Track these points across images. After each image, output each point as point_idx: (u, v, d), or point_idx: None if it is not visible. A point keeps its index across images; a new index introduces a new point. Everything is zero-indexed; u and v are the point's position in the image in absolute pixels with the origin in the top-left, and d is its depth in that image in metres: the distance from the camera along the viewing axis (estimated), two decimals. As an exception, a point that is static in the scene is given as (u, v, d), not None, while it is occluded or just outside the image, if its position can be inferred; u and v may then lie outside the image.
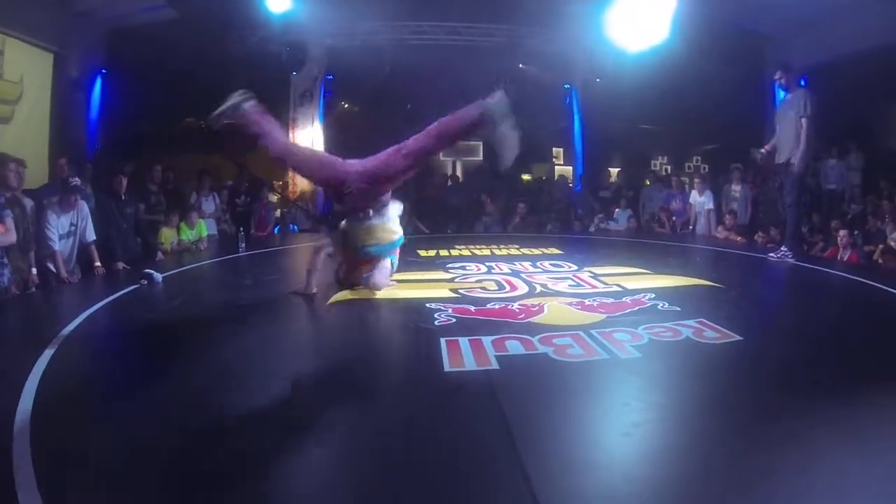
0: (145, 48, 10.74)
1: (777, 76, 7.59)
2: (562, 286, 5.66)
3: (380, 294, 5.32)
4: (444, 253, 7.92)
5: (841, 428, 2.59)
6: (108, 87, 11.54)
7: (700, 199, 11.06)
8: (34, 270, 6.08)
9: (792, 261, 7.10)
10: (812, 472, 2.26)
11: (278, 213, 12.30)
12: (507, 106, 4.87)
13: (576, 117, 14.64)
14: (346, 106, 15.17)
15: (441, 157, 15.80)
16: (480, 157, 14.98)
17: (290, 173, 13.55)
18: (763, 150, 7.69)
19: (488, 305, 4.85)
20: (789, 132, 7.22)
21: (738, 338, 3.90)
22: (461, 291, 5.45)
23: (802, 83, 11.91)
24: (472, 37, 12.64)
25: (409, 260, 5.28)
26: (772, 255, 7.41)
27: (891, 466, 2.29)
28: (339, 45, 12.53)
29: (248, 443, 2.52)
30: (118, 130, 11.35)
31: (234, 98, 5.15)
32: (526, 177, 15.45)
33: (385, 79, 12.58)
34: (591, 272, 6.35)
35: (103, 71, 11.45)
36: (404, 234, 5.65)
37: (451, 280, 6.03)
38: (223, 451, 2.46)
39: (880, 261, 7.04)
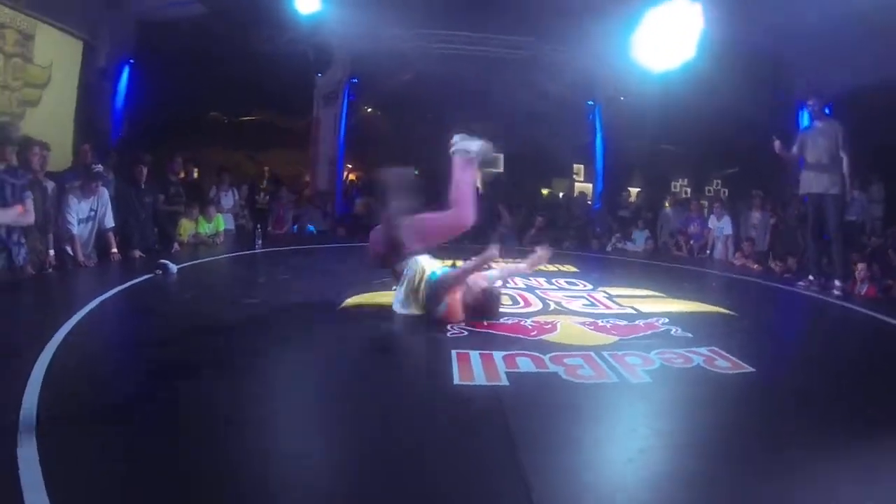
0: (173, 41, 10.86)
1: (811, 102, 7.54)
2: (576, 305, 5.63)
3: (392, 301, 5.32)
4: (458, 264, 7.88)
5: (851, 465, 2.55)
6: (134, 78, 11.64)
7: (718, 224, 11.01)
8: (52, 252, 6.15)
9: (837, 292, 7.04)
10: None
11: (296, 212, 12.34)
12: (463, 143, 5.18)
13: (598, 135, 14.62)
14: (369, 110, 15.23)
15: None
16: (500, 169, 14.99)
17: (308, 175, 13.67)
18: (778, 143, 7.58)
19: (501, 320, 4.83)
20: (823, 162, 7.16)
21: (750, 369, 3.86)
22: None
23: (827, 111, 11.90)
24: (497, 48, 12.65)
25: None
26: (801, 283, 7.50)
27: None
28: (365, 48, 12.57)
29: (253, 443, 2.52)
30: (142, 120, 11.45)
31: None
32: (545, 191, 15.42)
33: (408, 85, 12.62)
34: (605, 292, 6.33)
35: (131, 61, 11.54)
36: None
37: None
38: (227, 449, 2.46)
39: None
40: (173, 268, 6.16)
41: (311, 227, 11.73)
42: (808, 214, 7.74)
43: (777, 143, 7.54)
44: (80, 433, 2.54)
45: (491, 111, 11.96)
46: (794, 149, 7.54)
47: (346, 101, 13.41)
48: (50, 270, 6.05)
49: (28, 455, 2.24)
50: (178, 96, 11.50)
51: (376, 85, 13.19)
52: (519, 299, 5.73)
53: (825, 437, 2.89)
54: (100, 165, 6.98)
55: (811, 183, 7.36)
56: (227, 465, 2.34)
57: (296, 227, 11.80)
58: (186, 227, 8.66)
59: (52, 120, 9.38)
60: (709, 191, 14.65)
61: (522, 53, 12.74)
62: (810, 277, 7.58)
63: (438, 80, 12.02)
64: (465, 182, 5.14)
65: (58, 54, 9.61)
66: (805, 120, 12.89)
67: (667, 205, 12.93)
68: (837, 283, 7.12)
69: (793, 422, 3.11)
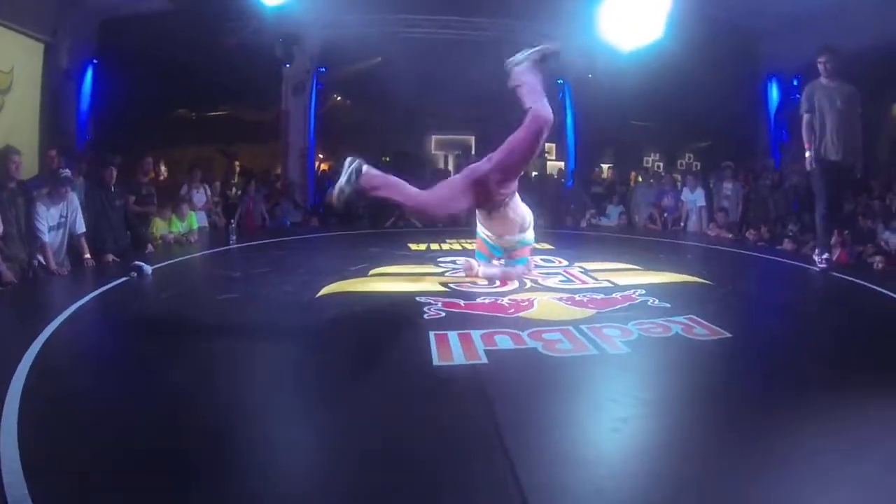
0: (137, 38, 10.69)
1: (822, 59, 6.63)
2: (552, 281, 5.66)
3: (369, 288, 5.32)
4: (434, 247, 7.90)
5: (828, 423, 2.60)
6: (99, 78, 11.44)
7: (692, 197, 11.10)
8: (35, 261, 6.08)
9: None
10: (799, 467, 2.27)
11: (269, 205, 12.25)
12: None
13: (568, 113, 14.64)
14: (339, 98, 15.14)
15: (433, 151, 15.82)
16: (473, 153, 15.00)
17: (280, 168, 13.56)
18: (808, 155, 6.71)
19: (478, 300, 4.85)
20: (840, 127, 6.52)
21: (728, 335, 3.92)
22: (451, 285, 5.44)
23: (795, 83, 11.97)
24: (464, 30, 12.60)
25: (398, 254, 5.26)
26: (816, 259, 6.70)
27: (877, 460, 2.31)
28: (331, 37, 12.48)
29: (235, 437, 2.52)
30: (109, 121, 11.27)
31: (346, 169, 4.64)
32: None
33: (376, 71, 12.55)
34: (581, 268, 6.36)
35: (94, 61, 11.36)
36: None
37: (442, 274, 6.03)
38: (210, 445, 2.45)
39: (870, 260, 7.04)
40: (148, 269, 6.09)
41: (285, 220, 11.65)
42: (823, 184, 6.70)
43: (808, 158, 6.72)
44: (62, 433, 2.52)
45: (459, 94, 11.93)
46: (804, 109, 6.73)
47: (314, 90, 13.32)
48: (31, 276, 5.97)
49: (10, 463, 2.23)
50: (145, 94, 11.32)
51: (344, 73, 13.09)
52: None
53: (805, 398, 2.95)
54: (67, 170, 6.86)
55: (829, 149, 6.56)
56: (207, 460, 2.33)
57: (269, 220, 11.72)
58: (159, 227, 8.57)
59: (16, 125, 9.21)
60: (681, 164, 14.75)
61: (489, 34, 12.69)
62: (826, 256, 6.72)
63: (406, 65, 11.96)
64: (530, 83, 5.20)
65: (19, 57, 9.42)
66: (774, 94, 13.11)
67: (639, 178, 13.00)
68: (824, 256, 6.70)
69: (772, 384, 3.17)
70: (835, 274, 6.42)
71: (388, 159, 14.21)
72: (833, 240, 7.29)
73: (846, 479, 2.19)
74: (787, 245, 8.34)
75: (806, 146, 6.73)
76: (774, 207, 10.22)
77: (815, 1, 9.71)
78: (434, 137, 15.84)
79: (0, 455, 2.28)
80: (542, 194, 13.16)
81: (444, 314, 4.40)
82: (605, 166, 14.95)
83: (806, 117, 6.69)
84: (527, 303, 4.74)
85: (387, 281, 5.63)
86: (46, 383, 3.07)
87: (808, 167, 6.80)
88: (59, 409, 2.81)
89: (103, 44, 11.23)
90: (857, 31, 9.07)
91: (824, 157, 6.57)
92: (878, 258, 6.96)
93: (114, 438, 2.51)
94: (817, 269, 6.60)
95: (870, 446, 2.41)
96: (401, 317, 4.42)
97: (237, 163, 12.80)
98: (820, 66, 6.66)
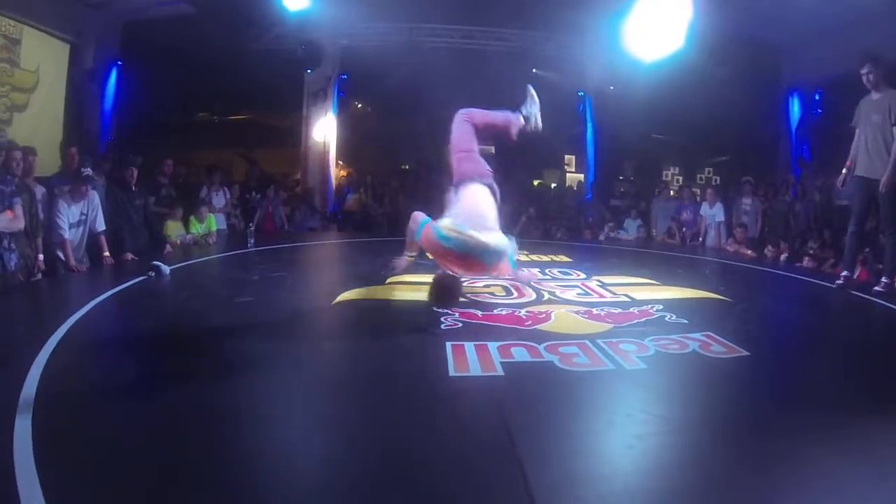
0: (161, 41, 10.80)
1: (864, 70, 6.21)
2: (570, 294, 5.63)
3: (386, 296, 5.31)
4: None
5: (847, 446, 2.56)
6: (122, 79, 11.60)
7: (711, 212, 11.02)
8: (41, 257, 6.12)
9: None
10: (815, 491, 2.24)
11: (288, 209, 12.31)
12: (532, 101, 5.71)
13: (589, 125, 14.64)
14: (360, 106, 15.20)
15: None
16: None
17: (299, 173, 13.61)
18: (843, 172, 6.57)
19: (495, 311, 4.83)
20: (875, 141, 6.17)
21: (745, 353, 3.87)
22: (469, 295, 5.41)
23: (817, 97, 11.88)
24: (487, 41, 12.63)
25: (417, 262, 5.25)
26: (877, 288, 6.23)
27: (896, 484, 2.27)
28: (354, 44, 12.55)
29: (248, 441, 2.52)
30: (131, 122, 11.42)
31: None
32: (537, 182, 15.42)
33: (398, 80, 12.59)
34: (599, 281, 6.33)
35: (119, 63, 11.50)
36: None
37: (459, 284, 6.00)
38: (222, 447, 2.45)
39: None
40: (166, 269, 6.13)
41: (303, 225, 11.72)
42: (856, 201, 6.54)
43: (842, 178, 6.65)
44: (77, 435, 2.53)
45: (481, 104, 11.96)
46: (854, 124, 6.44)
47: (335, 97, 13.38)
48: (39, 276, 6.02)
49: (24, 462, 2.24)
50: (167, 96, 11.48)
51: (366, 81, 13.15)
52: (513, 290, 5.72)
53: (824, 420, 2.89)
54: (89, 168, 6.93)
55: (863, 166, 6.31)
56: (222, 463, 2.33)
57: (288, 224, 11.78)
58: (173, 229, 8.63)
59: (40, 124, 9.35)
60: (700, 179, 14.69)
61: (513, 45, 12.72)
62: (845, 273, 6.53)
63: (429, 75, 12.00)
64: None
65: (45, 58, 9.58)
66: (795, 108, 13.02)
67: (657, 192, 12.96)
68: (885, 280, 6.26)
69: (790, 404, 3.12)
70: (855, 293, 6.34)
71: (407, 167, 14.26)
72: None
73: (866, 501, 2.15)
74: (807, 262, 8.25)
75: (847, 163, 6.53)
76: (794, 224, 10.14)
77: (836, 15, 9.65)
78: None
79: (14, 453, 2.28)
80: (560, 206, 13.20)
81: (460, 325, 4.38)
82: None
83: (856, 134, 6.45)
84: (544, 315, 4.71)
85: (404, 290, 5.61)
86: (61, 379, 3.09)
87: (838, 184, 6.70)
88: (74, 405, 2.82)
89: (127, 46, 11.38)
90: (880, 46, 9.01)
91: (860, 174, 6.34)
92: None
93: (127, 438, 2.51)
94: (834, 286, 6.47)
95: (890, 468, 2.38)
96: (418, 326, 4.40)
97: (257, 167, 12.90)
98: (864, 79, 6.28)
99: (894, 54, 7.86)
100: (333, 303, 5.11)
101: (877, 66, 6.17)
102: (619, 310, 5.00)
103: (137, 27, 11.21)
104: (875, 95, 6.24)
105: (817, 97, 12.25)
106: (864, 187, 6.32)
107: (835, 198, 10.63)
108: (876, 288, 6.20)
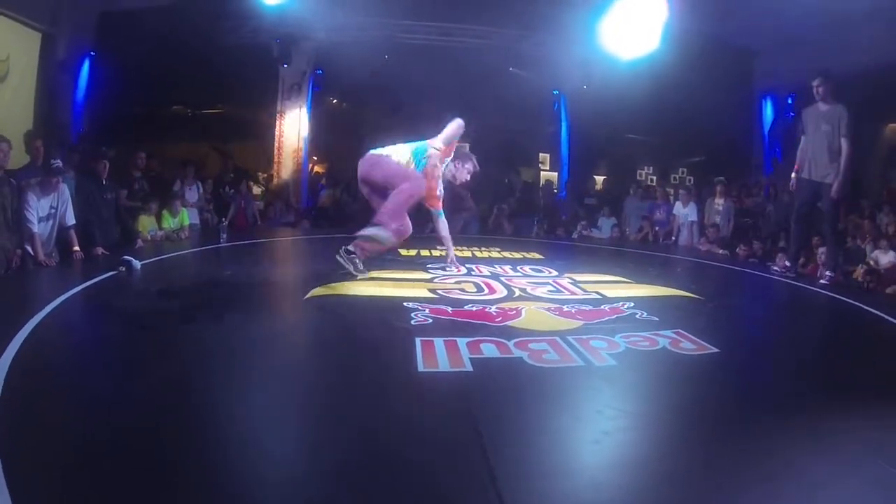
0: (135, 33, 10.68)
1: (815, 83, 7.02)
2: (541, 291, 5.66)
3: (358, 292, 5.30)
4: (424, 252, 7.87)
5: (813, 440, 2.62)
6: (95, 70, 11.43)
7: (684, 211, 11.14)
8: (19, 251, 6.04)
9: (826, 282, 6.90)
10: (785, 484, 2.26)
11: (261, 205, 12.24)
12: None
13: (563, 123, 14.70)
14: (335, 101, 15.14)
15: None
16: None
17: (275, 167, 13.53)
18: (793, 175, 7.41)
19: (465, 307, 4.84)
20: (822, 148, 6.96)
21: (715, 350, 3.92)
22: (439, 292, 5.42)
23: (790, 101, 12.06)
24: (463, 38, 12.63)
25: (388, 258, 5.25)
26: (822, 281, 6.98)
27: (862, 478, 2.31)
28: (329, 40, 12.49)
29: (214, 435, 2.50)
30: (104, 114, 11.24)
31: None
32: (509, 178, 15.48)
33: (374, 75, 12.56)
34: (571, 278, 6.35)
35: (91, 53, 11.33)
36: None
37: (431, 280, 6.01)
38: (191, 442, 2.43)
39: (860, 279, 7.08)
40: (137, 264, 6.05)
41: (277, 220, 11.66)
42: (800, 198, 7.38)
43: (792, 181, 7.49)
44: (44, 425, 2.50)
45: (456, 101, 11.98)
46: (799, 132, 7.40)
47: (310, 92, 13.32)
48: (15, 268, 5.93)
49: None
50: (141, 89, 11.32)
51: (341, 76, 13.09)
52: (483, 286, 5.74)
53: (791, 415, 2.94)
54: (59, 161, 6.83)
55: (808, 168, 7.15)
56: (190, 458, 2.31)
57: (261, 219, 11.72)
58: (145, 224, 8.54)
59: (10, 115, 9.16)
60: (674, 178, 14.82)
61: (488, 43, 12.73)
62: (787, 263, 7.55)
63: (404, 71, 11.98)
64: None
65: (15, 47, 9.38)
66: (768, 111, 13.21)
67: (630, 192, 13.08)
68: (828, 273, 7.01)
69: (758, 400, 3.17)
70: (823, 292, 6.47)
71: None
72: (822, 258, 7.38)
73: (832, 497, 2.19)
74: (779, 262, 8.38)
75: (795, 167, 7.32)
76: (765, 224, 10.28)
77: (810, 21, 9.77)
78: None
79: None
80: (534, 204, 13.26)
81: (430, 321, 4.37)
82: (598, 178, 15.02)
83: (802, 140, 7.26)
84: (514, 311, 4.72)
85: (375, 285, 5.60)
86: (30, 374, 3.04)
87: (790, 186, 7.49)
88: (41, 401, 2.78)
89: (101, 36, 11.21)
90: (852, 52, 9.14)
91: (805, 176, 7.16)
92: (867, 277, 7.03)
93: (97, 431, 2.47)
94: (777, 271, 7.48)
95: (856, 464, 2.41)
96: (387, 321, 4.39)
97: (231, 161, 12.81)
98: (814, 91, 7.05)
99: (866, 60, 8.21)
100: (305, 297, 5.08)
101: (826, 80, 6.97)
102: (590, 307, 5.02)
103: (112, 17, 11.05)
104: (823, 107, 7.07)
105: (790, 101, 12.43)
106: (809, 189, 7.16)
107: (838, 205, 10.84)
108: (821, 281, 6.93)
